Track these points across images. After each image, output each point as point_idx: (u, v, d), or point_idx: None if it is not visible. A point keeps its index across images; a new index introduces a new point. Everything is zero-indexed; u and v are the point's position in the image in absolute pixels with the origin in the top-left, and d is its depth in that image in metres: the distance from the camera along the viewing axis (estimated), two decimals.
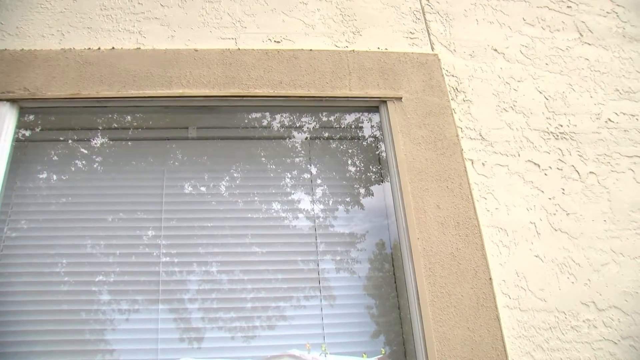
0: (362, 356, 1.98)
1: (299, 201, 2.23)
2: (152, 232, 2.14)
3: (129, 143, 2.32)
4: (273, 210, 2.21)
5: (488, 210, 2.09)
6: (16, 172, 2.16)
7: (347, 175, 2.30)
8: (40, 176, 2.22)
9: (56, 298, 2.01)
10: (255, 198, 2.23)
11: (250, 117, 2.39)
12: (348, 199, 2.25)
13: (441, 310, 1.88)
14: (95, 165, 2.25)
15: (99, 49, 2.27)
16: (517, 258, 2.02)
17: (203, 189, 2.24)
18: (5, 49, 2.24)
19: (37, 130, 2.29)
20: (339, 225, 2.20)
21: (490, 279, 1.94)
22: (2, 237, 2.07)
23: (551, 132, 2.29)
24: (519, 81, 2.39)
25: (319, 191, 2.26)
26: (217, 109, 2.30)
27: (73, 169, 2.24)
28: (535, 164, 2.22)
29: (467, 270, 1.95)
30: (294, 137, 2.37)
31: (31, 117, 2.27)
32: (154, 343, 2.00)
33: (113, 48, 2.28)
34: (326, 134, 2.38)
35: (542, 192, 2.16)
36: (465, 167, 2.13)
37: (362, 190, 2.27)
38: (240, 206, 2.20)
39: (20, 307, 2.00)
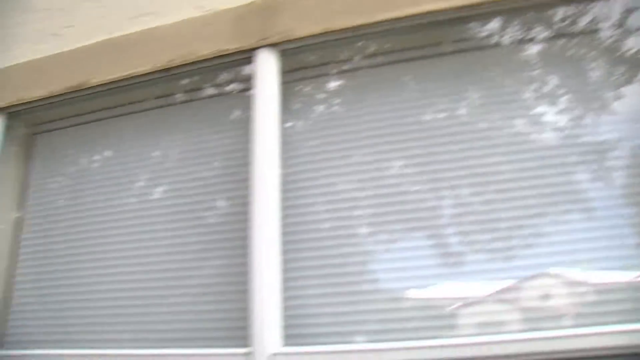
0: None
1: (543, 113, 2.09)
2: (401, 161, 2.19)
3: (382, 68, 2.36)
4: (518, 125, 2.09)
5: None
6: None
7: (591, 80, 2.12)
8: (305, 116, 2.37)
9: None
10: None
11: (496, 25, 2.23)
12: (595, 105, 2.08)
13: None
14: (350, 96, 2.35)
15: None
16: None
17: (449, 106, 2.21)
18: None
19: (295, 70, 2.41)
20: (588, 134, 2.05)
21: None
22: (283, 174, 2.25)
23: None
24: None
25: (562, 100, 2.11)
26: (467, 19, 2.20)
27: (339, 101, 2.36)
28: None
29: None
30: (538, 41, 2.18)
31: (287, 58, 2.37)
32: (415, 270, 2.08)
33: None
34: (563, 40, 2.18)
35: None
36: None
37: (609, 95, 2.09)
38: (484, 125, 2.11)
39: None
